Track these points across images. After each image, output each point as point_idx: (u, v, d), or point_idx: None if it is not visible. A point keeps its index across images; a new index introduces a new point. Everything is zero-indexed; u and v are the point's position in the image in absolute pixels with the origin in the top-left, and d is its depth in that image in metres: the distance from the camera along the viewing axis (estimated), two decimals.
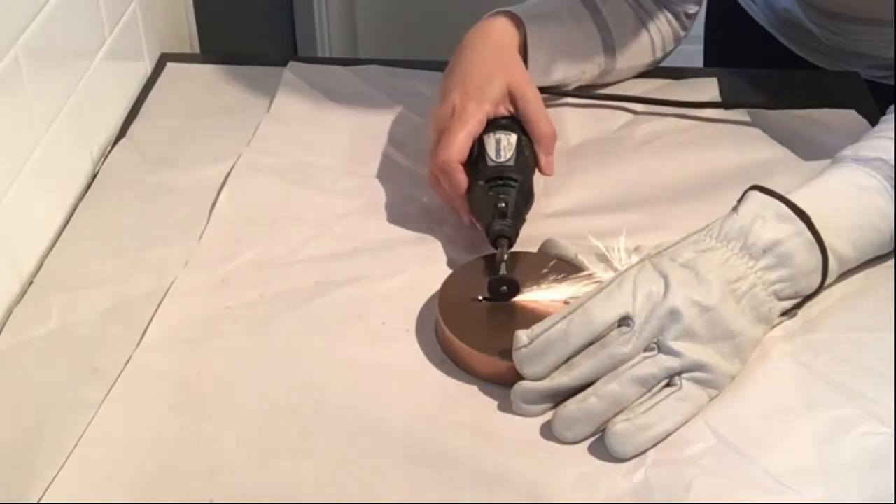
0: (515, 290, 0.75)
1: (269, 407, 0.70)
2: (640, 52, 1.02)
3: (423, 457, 0.66)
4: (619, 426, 0.66)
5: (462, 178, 0.82)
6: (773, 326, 0.73)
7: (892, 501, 0.63)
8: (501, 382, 0.70)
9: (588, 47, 0.98)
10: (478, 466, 0.66)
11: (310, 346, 0.75)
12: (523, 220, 0.81)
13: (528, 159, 0.85)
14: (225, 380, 0.72)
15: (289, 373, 0.73)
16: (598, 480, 0.65)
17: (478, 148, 0.84)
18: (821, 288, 0.74)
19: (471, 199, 0.83)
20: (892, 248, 0.78)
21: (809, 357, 0.72)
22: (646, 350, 0.67)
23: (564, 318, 0.68)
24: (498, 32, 0.91)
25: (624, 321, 0.68)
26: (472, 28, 0.92)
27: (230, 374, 0.73)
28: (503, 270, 0.76)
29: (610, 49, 0.99)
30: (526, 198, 0.82)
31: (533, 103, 0.86)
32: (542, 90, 0.91)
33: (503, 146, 0.84)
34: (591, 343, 0.68)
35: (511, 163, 0.82)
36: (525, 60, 0.92)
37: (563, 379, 0.68)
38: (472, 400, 0.71)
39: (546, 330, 0.68)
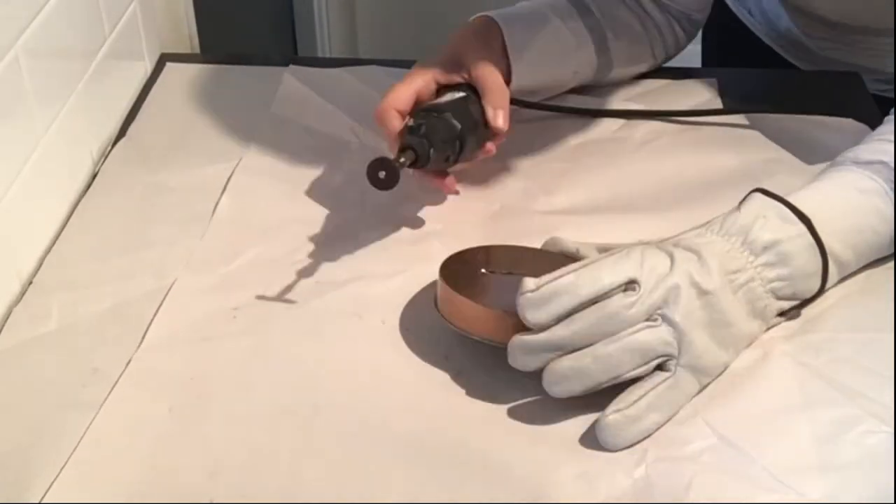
0: (394, 177, 0.75)
1: (269, 407, 0.70)
2: (638, 54, 1.02)
3: (423, 456, 0.67)
4: (610, 418, 0.66)
5: (395, 124, 0.84)
6: (771, 326, 0.73)
7: (893, 501, 0.63)
8: (498, 338, 0.69)
9: (577, 46, 0.96)
10: (478, 465, 0.66)
11: (309, 346, 0.75)
12: (448, 158, 0.83)
13: (468, 111, 0.85)
14: (225, 380, 0.72)
15: (289, 373, 0.73)
16: (598, 478, 0.65)
17: (426, 105, 0.85)
18: (820, 292, 0.74)
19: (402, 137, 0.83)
20: (891, 251, 0.78)
21: (809, 357, 0.72)
22: (648, 320, 0.67)
23: (574, 271, 0.67)
24: (471, 28, 0.92)
25: (630, 285, 0.67)
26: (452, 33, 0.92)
27: (230, 375, 0.73)
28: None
29: (603, 50, 0.98)
30: (448, 130, 0.82)
31: (487, 68, 0.87)
32: (541, 105, 0.94)
33: (445, 98, 0.85)
34: (595, 301, 0.67)
35: (442, 102, 0.84)
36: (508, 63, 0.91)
37: (562, 332, 0.67)
38: (471, 399, 0.71)
39: (555, 279, 0.67)
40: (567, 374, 0.67)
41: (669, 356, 0.67)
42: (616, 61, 1.00)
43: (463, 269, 0.75)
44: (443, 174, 0.87)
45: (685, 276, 0.68)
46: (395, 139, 0.84)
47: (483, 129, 0.86)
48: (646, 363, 0.67)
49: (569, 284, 0.67)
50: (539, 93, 0.96)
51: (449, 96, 0.86)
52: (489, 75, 0.86)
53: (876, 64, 1.05)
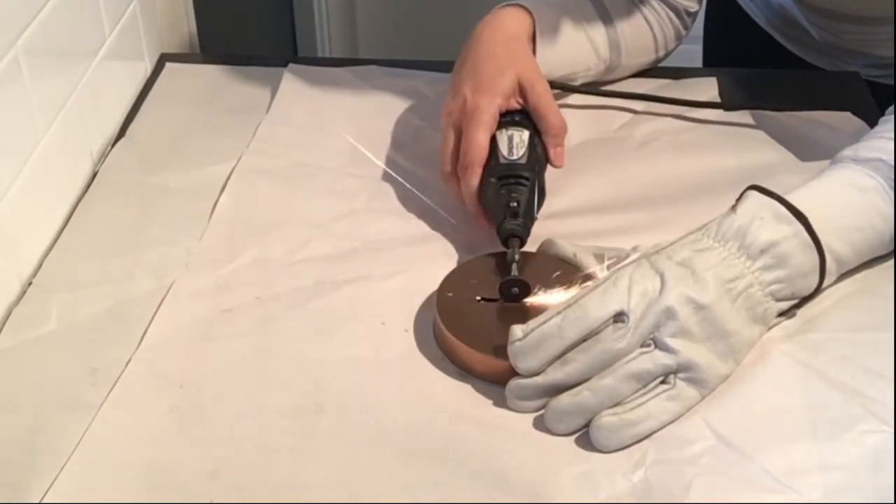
0: (526, 291, 0.75)
1: (270, 407, 0.70)
2: (643, 49, 1.02)
3: (424, 457, 0.66)
4: (604, 419, 0.66)
5: (475, 180, 0.82)
6: (771, 326, 0.73)
7: (893, 501, 0.63)
8: (497, 381, 0.70)
9: (594, 42, 0.98)
10: (478, 466, 0.66)
11: (310, 347, 0.75)
12: (535, 219, 0.81)
13: (539, 156, 0.85)
14: (225, 380, 0.72)
15: (289, 373, 0.73)
16: (598, 480, 0.65)
17: (490, 145, 0.84)
18: (818, 289, 0.74)
19: (482, 196, 0.82)
20: (891, 248, 0.78)
21: (809, 356, 0.72)
22: (642, 346, 0.67)
23: (559, 313, 0.68)
24: (508, 24, 0.91)
25: (619, 317, 0.68)
26: (482, 20, 0.92)
27: (230, 375, 0.73)
28: (515, 271, 0.75)
29: (615, 45, 0.99)
30: (538, 196, 0.82)
31: (543, 97, 0.86)
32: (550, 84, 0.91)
33: (515, 143, 0.83)
34: (585, 339, 0.68)
35: (523, 161, 0.82)
36: (534, 51, 0.92)
37: (557, 374, 0.68)
38: (472, 400, 0.71)
39: (541, 324, 0.68)
40: (568, 410, 0.67)
41: (669, 373, 0.68)
42: (623, 55, 1.00)
43: (459, 297, 0.76)
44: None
45: (679, 297, 0.68)
46: (473, 193, 0.82)
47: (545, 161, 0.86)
48: (645, 386, 0.67)
49: (555, 328, 0.68)
50: (555, 86, 0.96)
51: (517, 137, 0.84)
52: (551, 114, 0.86)
53: (872, 49, 1.05)
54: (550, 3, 0.95)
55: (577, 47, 0.97)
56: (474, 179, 0.82)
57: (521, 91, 0.87)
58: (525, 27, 0.92)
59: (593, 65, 0.99)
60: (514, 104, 0.86)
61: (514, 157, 0.82)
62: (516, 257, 0.76)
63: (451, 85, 0.89)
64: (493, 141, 0.84)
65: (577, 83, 0.99)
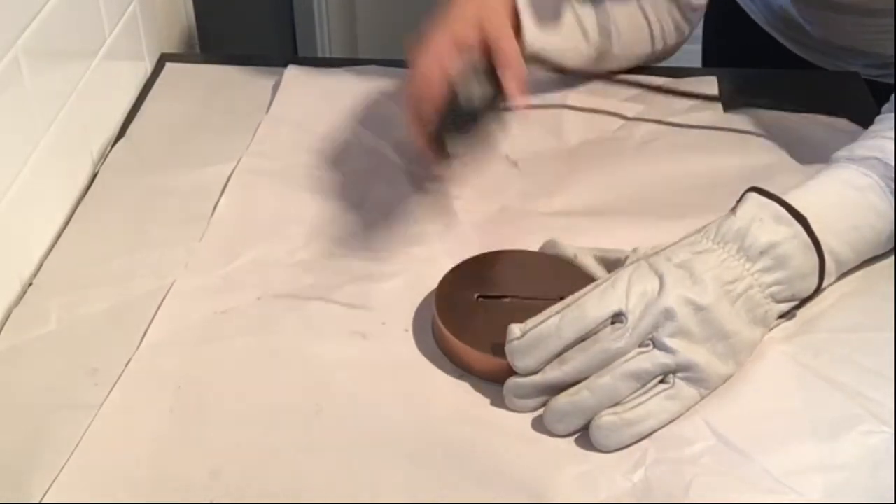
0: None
1: (270, 408, 0.70)
2: (639, 39, 1.01)
3: (424, 457, 0.67)
4: (604, 419, 0.66)
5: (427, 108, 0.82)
6: (771, 329, 0.73)
7: (893, 502, 0.63)
8: (496, 379, 0.71)
9: (583, 24, 0.96)
10: (478, 466, 0.66)
11: (310, 347, 0.75)
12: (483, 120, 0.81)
13: (489, 92, 0.83)
14: (225, 381, 0.72)
15: (289, 374, 0.73)
16: (597, 480, 0.65)
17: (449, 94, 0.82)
18: (818, 290, 0.74)
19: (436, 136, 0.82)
20: (890, 246, 0.78)
21: (809, 357, 0.72)
22: (640, 346, 0.68)
23: (558, 313, 0.69)
24: None
25: (617, 318, 0.68)
26: None
27: (231, 376, 0.73)
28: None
29: (605, 30, 0.97)
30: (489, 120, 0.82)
31: (499, 29, 0.84)
32: (555, 68, 0.92)
33: (474, 92, 0.82)
34: (583, 339, 0.68)
35: (476, 103, 0.82)
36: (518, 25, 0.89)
37: (555, 373, 0.68)
38: (471, 400, 0.71)
39: (539, 324, 0.68)
40: (567, 411, 0.67)
41: (668, 373, 0.68)
42: (615, 43, 0.98)
43: (458, 295, 0.76)
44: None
45: (677, 298, 0.68)
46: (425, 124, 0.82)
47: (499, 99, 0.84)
48: (643, 385, 0.67)
49: (553, 327, 0.68)
50: (558, 69, 0.95)
51: (476, 86, 0.83)
52: (504, 40, 0.83)
53: (871, 47, 1.05)
54: None
55: (565, 26, 0.94)
56: (427, 107, 0.81)
57: (482, 30, 0.84)
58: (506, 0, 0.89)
59: (583, 48, 0.97)
60: (469, 37, 0.84)
61: (474, 104, 0.82)
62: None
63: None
64: (454, 91, 0.82)
65: (569, 65, 0.97)
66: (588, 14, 0.96)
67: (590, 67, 1.00)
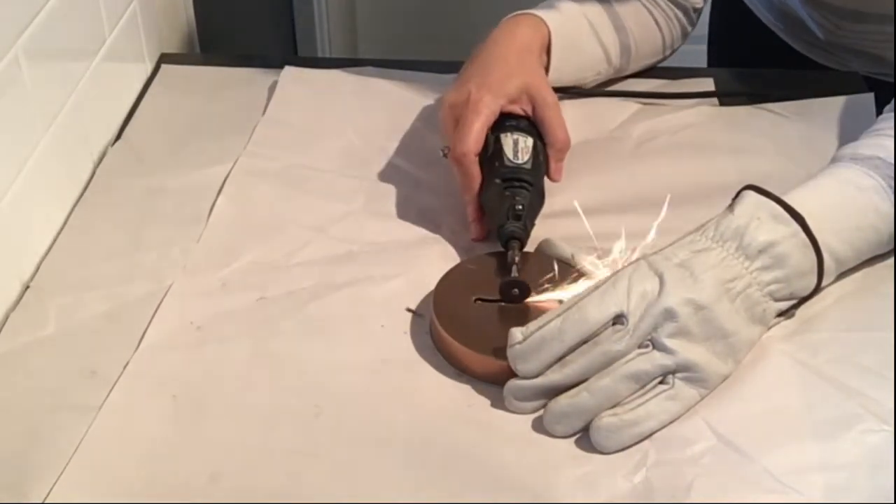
0: (526, 292, 0.75)
1: (269, 409, 0.70)
2: (652, 51, 1.03)
3: (424, 458, 0.66)
4: (605, 420, 0.66)
5: (477, 172, 0.83)
6: (770, 327, 0.73)
7: (893, 502, 0.63)
8: (495, 381, 0.70)
9: (607, 50, 0.98)
10: (478, 467, 0.66)
11: (309, 349, 0.75)
12: (534, 225, 0.81)
13: (541, 164, 0.85)
14: (224, 382, 0.72)
15: (288, 375, 0.73)
16: (598, 481, 0.65)
17: (494, 146, 0.84)
18: (817, 289, 0.74)
19: (483, 195, 0.83)
20: (891, 247, 0.78)
21: (808, 356, 0.72)
22: (640, 347, 0.67)
23: (559, 315, 0.68)
24: (523, 34, 0.92)
25: (618, 319, 0.68)
26: (498, 26, 0.93)
27: (229, 377, 0.73)
28: (514, 273, 0.76)
29: (626, 50, 1.00)
30: (538, 202, 0.83)
31: (553, 109, 0.87)
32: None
33: (521, 148, 0.84)
34: (584, 341, 0.68)
35: (528, 166, 0.83)
36: (548, 62, 0.93)
37: (556, 376, 0.68)
38: (471, 401, 0.71)
39: (540, 327, 0.68)
40: (567, 412, 0.67)
41: (668, 374, 0.68)
42: (633, 58, 1.01)
43: (456, 297, 0.76)
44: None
45: (677, 297, 0.68)
46: (473, 187, 0.83)
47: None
48: (643, 386, 0.67)
49: (555, 331, 0.68)
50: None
51: (522, 142, 0.84)
52: (558, 128, 0.87)
53: (877, 49, 1.05)
54: (564, 10, 0.95)
55: (591, 55, 0.98)
56: (473, 168, 0.83)
57: (531, 100, 0.87)
58: (539, 38, 0.92)
59: (603, 70, 1.00)
60: (517, 110, 0.87)
61: (520, 161, 0.83)
62: (516, 259, 0.76)
63: (457, 80, 0.89)
64: (498, 143, 0.84)
65: (587, 87, 1.00)
66: (611, 39, 0.98)
67: (604, 82, 1.02)
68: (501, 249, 0.79)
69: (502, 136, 0.85)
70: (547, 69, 0.93)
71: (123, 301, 0.79)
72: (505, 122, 0.86)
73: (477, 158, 0.83)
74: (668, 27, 1.02)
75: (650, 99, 1.01)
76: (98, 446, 0.68)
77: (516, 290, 0.74)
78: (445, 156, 0.85)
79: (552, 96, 0.88)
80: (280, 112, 1.01)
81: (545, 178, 0.86)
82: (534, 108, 0.87)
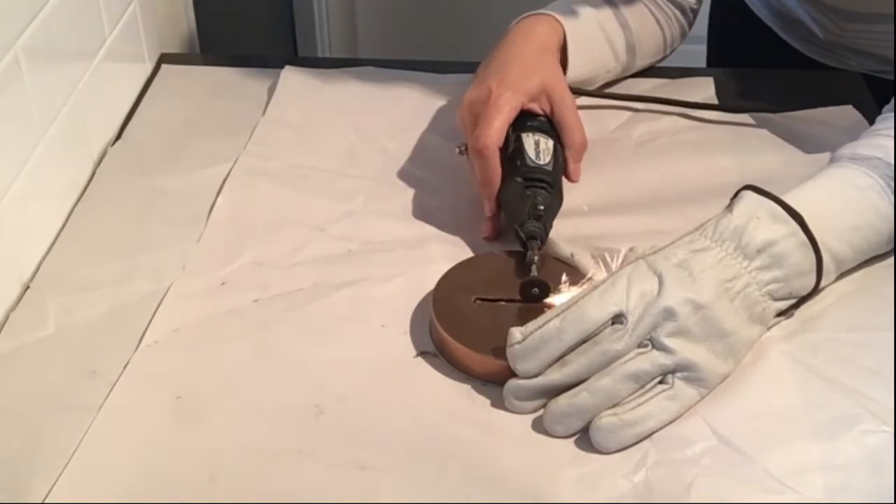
0: (546, 292, 0.75)
1: (269, 409, 0.70)
2: (654, 49, 1.04)
3: (424, 458, 0.66)
4: (604, 420, 0.66)
5: (498, 166, 0.83)
6: (770, 327, 0.73)
7: (893, 502, 0.63)
8: (495, 381, 0.70)
9: (615, 48, 0.99)
10: (478, 467, 0.66)
11: (309, 349, 0.75)
12: (551, 226, 0.81)
13: (560, 167, 0.85)
14: (224, 383, 0.72)
15: (288, 376, 0.73)
16: (598, 481, 0.65)
17: (514, 144, 0.84)
18: (816, 288, 0.74)
19: (503, 192, 0.83)
20: (891, 246, 0.78)
21: (808, 356, 0.72)
22: (639, 347, 0.67)
23: (558, 315, 0.69)
24: (541, 33, 0.93)
25: (617, 319, 0.68)
26: (514, 26, 0.94)
27: (229, 377, 0.73)
28: (534, 272, 0.76)
29: (631, 48, 1.01)
30: (557, 204, 0.83)
31: (571, 110, 0.87)
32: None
33: (542, 149, 0.84)
34: (584, 341, 0.68)
35: (549, 167, 0.83)
36: (564, 62, 0.93)
37: (555, 376, 0.68)
38: (471, 401, 0.71)
39: (540, 327, 0.68)
40: (566, 412, 0.67)
41: (667, 373, 0.68)
42: (638, 57, 1.02)
43: (455, 297, 0.76)
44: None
45: (677, 297, 0.68)
46: (493, 182, 0.83)
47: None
48: (642, 386, 0.67)
49: (554, 330, 0.68)
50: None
51: (543, 143, 0.84)
52: (576, 129, 0.87)
53: (877, 49, 1.05)
54: (576, 11, 0.96)
55: (603, 54, 0.99)
56: (494, 162, 0.83)
57: (549, 100, 0.87)
58: (556, 37, 0.93)
59: (612, 68, 1.01)
60: (537, 108, 0.87)
61: (541, 162, 0.83)
62: (535, 258, 0.77)
63: (476, 78, 0.89)
64: (520, 141, 0.84)
65: (596, 86, 1.00)
66: (618, 37, 0.99)
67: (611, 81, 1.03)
68: (502, 249, 0.79)
69: (523, 135, 0.85)
70: (563, 68, 0.93)
71: (123, 301, 0.79)
72: (526, 121, 0.86)
73: (498, 153, 0.83)
74: (668, 26, 1.03)
75: (651, 104, 1.01)
76: (98, 446, 0.68)
77: (536, 289, 0.75)
78: (461, 153, 0.85)
79: (570, 97, 0.88)
80: (280, 112, 1.01)
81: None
82: (552, 109, 0.87)
